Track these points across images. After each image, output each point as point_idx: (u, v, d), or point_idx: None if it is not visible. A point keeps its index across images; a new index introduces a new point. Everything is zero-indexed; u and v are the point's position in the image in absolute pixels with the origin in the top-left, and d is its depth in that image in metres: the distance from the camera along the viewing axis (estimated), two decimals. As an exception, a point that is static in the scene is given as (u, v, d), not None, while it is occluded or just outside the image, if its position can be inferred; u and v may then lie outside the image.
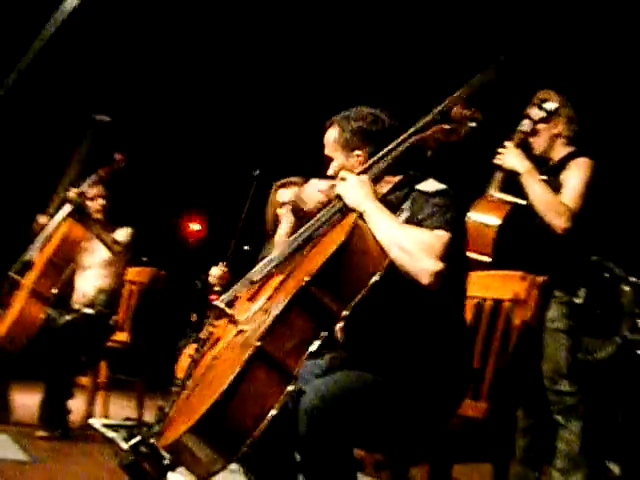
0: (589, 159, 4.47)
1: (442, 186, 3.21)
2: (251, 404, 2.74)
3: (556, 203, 4.36)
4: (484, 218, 4.39)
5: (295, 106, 10.25)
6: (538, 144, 4.64)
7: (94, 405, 6.64)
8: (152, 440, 2.86)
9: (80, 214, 6.31)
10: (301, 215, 4.21)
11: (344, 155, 3.38)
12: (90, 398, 6.52)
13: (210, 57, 10.49)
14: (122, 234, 6.59)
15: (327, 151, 3.46)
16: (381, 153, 3.22)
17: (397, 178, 3.33)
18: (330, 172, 3.45)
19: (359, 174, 3.22)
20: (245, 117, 10.90)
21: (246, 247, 4.83)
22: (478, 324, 3.74)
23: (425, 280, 2.94)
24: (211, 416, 2.70)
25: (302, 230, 3.30)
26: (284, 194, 5.29)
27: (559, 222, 4.33)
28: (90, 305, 6.52)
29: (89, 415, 6.50)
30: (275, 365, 2.80)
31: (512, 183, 4.57)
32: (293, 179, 5.35)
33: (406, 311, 3.08)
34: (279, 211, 5.29)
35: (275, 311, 2.88)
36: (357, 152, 3.36)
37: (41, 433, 5.97)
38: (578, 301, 4.40)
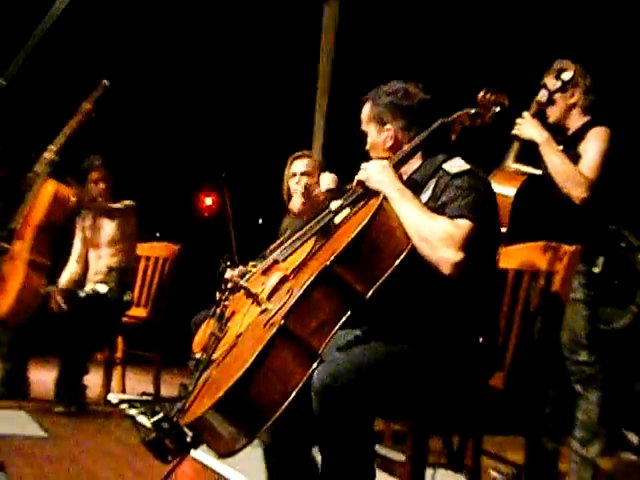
0: (606, 128, 4.44)
1: (467, 166, 3.18)
2: (274, 382, 2.74)
3: (574, 173, 4.33)
4: (500, 189, 4.36)
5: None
6: (554, 113, 4.61)
7: (111, 380, 6.65)
8: (175, 417, 2.85)
9: (61, 172, 6.29)
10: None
11: (376, 130, 3.38)
12: (107, 374, 6.51)
13: (230, 32, 10.45)
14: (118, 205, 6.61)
15: (362, 126, 3.45)
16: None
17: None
18: (367, 147, 3.46)
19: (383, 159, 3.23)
20: (258, 94, 10.87)
21: (260, 220, 4.81)
22: (501, 295, 3.73)
23: (445, 270, 2.95)
24: (234, 393, 2.70)
25: (327, 211, 3.29)
26: (297, 165, 5.31)
27: (577, 192, 4.30)
28: (103, 282, 6.53)
29: (106, 391, 6.52)
30: (299, 343, 2.79)
31: (529, 154, 4.55)
32: (307, 152, 5.38)
33: (433, 284, 3.05)
34: (291, 182, 5.31)
35: (299, 290, 2.87)
36: (387, 126, 3.35)
37: (58, 409, 5.99)
38: (596, 270, 4.38)
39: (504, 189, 4.38)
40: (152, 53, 10.51)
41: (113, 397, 6.69)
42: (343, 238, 2.94)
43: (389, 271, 2.89)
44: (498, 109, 3.24)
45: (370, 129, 3.42)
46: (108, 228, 6.57)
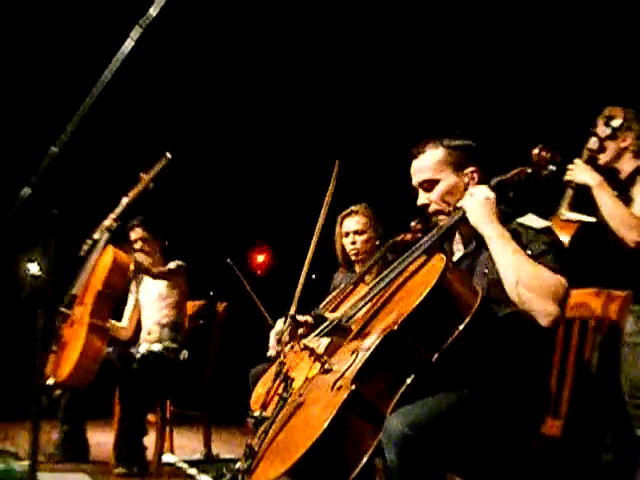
0: None
1: (547, 222, 3.22)
2: (346, 448, 2.75)
3: (627, 216, 4.31)
4: None
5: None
6: (604, 157, 4.59)
7: (164, 441, 6.64)
8: (241, 478, 2.84)
9: (118, 239, 6.37)
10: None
11: (455, 174, 3.34)
12: (159, 434, 6.51)
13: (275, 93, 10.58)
14: (171, 265, 6.64)
15: (424, 176, 3.37)
16: None
17: None
18: (422, 201, 3.39)
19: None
20: (307, 152, 10.95)
21: (313, 276, 4.83)
22: (555, 342, 3.71)
23: (544, 322, 2.99)
24: (307, 460, 2.70)
25: (391, 268, 3.29)
26: (349, 223, 5.30)
27: (631, 235, 4.28)
28: (157, 341, 6.56)
29: (160, 451, 6.51)
30: (369, 409, 2.81)
31: (583, 202, 4.54)
32: (354, 208, 5.36)
33: (497, 332, 3.07)
34: (345, 241, 5.29)
35: (365, 353, 2.87)
36: (470, 169, 3.33)
37: (119, 470, 5.99)
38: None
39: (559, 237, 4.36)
40: (210, 121, 10.67)
41: (170, 458, 6.69)
42: (409, 299, 2.94)
43: (455, 335, 2.89)
44: (554, 167, 3.25)
45: (443, 175, 3.33)
46: (158, 286, 6.61)
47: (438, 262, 3.04)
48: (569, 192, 4.60)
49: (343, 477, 2.73)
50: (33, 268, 3.84)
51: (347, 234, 5.32)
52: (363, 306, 3.24)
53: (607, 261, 4.41)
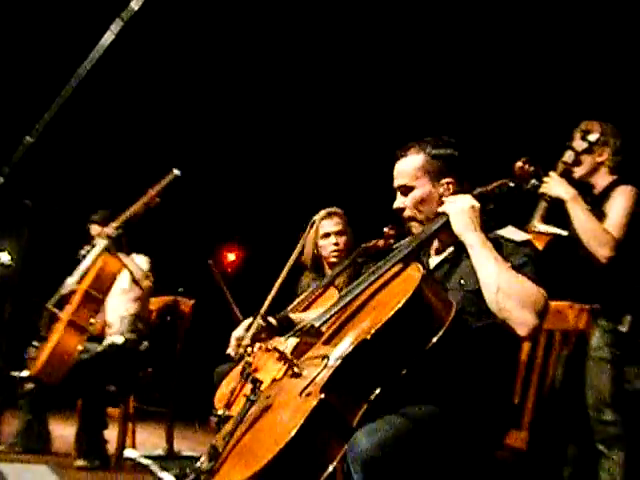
0: (632, 187, 4.45)
1: (527, 235, 3.22)
2: (312, 456, 2.72)
3: (600, 232, 4.33)
4: None
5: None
6: (579, 171, 4.62)
7: (126, 436, 6.62)
8: (204, 478, 2.83)
9: (116, 248, 6.36)
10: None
11: (431, 182, 3.31)
12: (122, 428, 6.48)
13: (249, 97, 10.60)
14: (142, 262, 6.62)
15: (402, 181, 3.35)
16: None
17: None
18: (398, 204, 3.37)
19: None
20: (277, 154, 10.97)
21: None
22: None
23: (522, 332, 2.98)
24: (273, 466, 2.67)
25: (367, 273, 3.27)
26: (329, 225, 5.28)
27: (602, 251, 4.30)
28: (118, 334, 6.55)
29: (122, 446, 6.48)
30: (337, 418, 2.78)
31: (555, 215, 4.56)
32: (332, 209, 5.33)
33: (460, 347, 3.05)
34: (323, 242, 5.26)
35: (335, 361, 2.86)
36: (447, 180, 3.30)
37: (80, 463, 5.99)
38: (623, 329, 4.36)
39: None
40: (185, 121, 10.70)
41: (130, 453, 6.65)
42: (384, 308, 2.92)
43: (428, 346, 2.87)
44: (536, 182, 3.28)
45: (419, 182, 3.31)
46: (122, 280, 6.60)
47: (414, 272, 3.03)
48: (542, 204, 4.62)
49: None
50: (3, 257, 3.83)
51: (328, 235, 5.25)
52: (337, 311, 3.20)
53: (576, 275, 4.42)
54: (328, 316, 3.21)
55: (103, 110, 10.15)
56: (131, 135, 10.71)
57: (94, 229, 6.64)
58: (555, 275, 4.34)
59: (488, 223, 3.26)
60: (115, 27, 3.38)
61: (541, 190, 4.56)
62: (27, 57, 9.52)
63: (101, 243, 6.36)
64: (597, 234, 4.34)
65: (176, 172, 6.26)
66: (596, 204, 4.51)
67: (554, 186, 4.52)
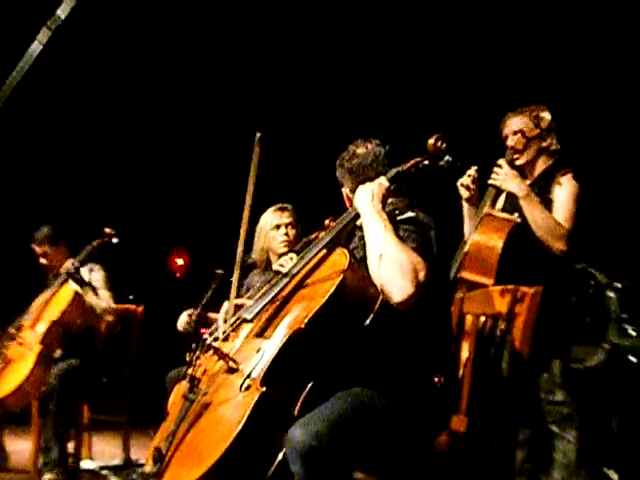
0: (572, 174, 4.49)
1: (410, 214, 3.24)
2: (260, 448, 2.75)
3: (555, 226, 4.39)
4: (487, 239, 4.38)
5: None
6: (524, 157, 4.64)
7: (81, 447, 6.55)
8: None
9: (78, 283, 6.30)
10: None
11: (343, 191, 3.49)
12: (77, 440, 6.42)
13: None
14: (97, 279, 6.54)
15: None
16: None
17: None
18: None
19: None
20: (224, 155, 10.93)
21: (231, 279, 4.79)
22: (459, 338, 3.75)
23: (397, 298, 2.97)
24: (223, 463, 2.69)
25: (294, 262, 3.32)
26: (283, 217, 5.39)
27: (558, 244, 4.37)
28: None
29: (78, 458, 6.42)
30: (279, 408, 2.81)
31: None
32: (283, 205, 5.40)
33: (389, 328, 3.07)
34: (274, 234, 5.30)
35: (271, 352, 2.88)
36: (344, 189, 3.48)
37: (48, 477, 5.87)
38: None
39: (490, 240, 4.39)
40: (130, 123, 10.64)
41: (88, 464, 6.61)
42: (314, 296, 2.95)
43: (361, 329, 2.90)
44: (449, 158, 3.30)
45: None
46: None
47: (340, 257, 3.07)
48: (491, 191, 4.65)
49: (260, 476, 2.74)
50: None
51: (279, 226, 5.36)
52: (267, 302, 3.23)
53: (523, 259, 4.44)
54: (259, 308, 3.25)
55: (42, 119, 10.03)
56: (69, 144, 10.60)
57: (38, 249, 6.58)
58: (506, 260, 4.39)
59: (410, 202, 3.33)
60: (42, 37, 3.34)
61: (492, 182, 4.58)
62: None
63: (60, 278, 6.31)
64: (553, 229, 4.39)
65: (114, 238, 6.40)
66: (538, 188, 4.53)
67: (507, 181, 4.54)
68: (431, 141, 3.32)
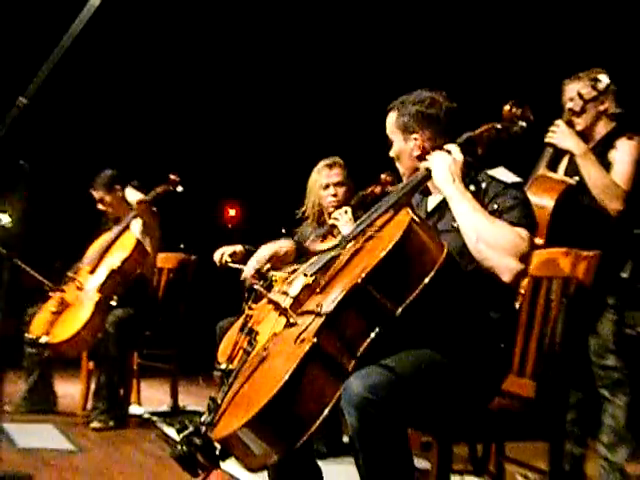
0: (635, 136, 4.42)
1: (518, 178, 3.23)
2: (307, 400, 2.73)
3: (612, 186, 4.31)
4: (538, 200, 4.32)
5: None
6: (584, 121, 4.57)
7: (130, 393, 6.63)
8: (205, 431, 2.83)
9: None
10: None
11: (403, 138, 3.38)
12: (126, 386, 6.47)
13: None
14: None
15: (388, 134, 3.45)
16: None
17: None
18: (391, 154, 3.46)
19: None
20: (278, 108, 10.94)
21: (283, 230, 4.80)
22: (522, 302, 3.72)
23: (506, 278, 3.01)
24: (268, 411, 2.68)
25: (361, 220, 3.30)
26: (330, 176, 5.34)
27: (614, 204, 4.30)
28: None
29: (127, 403, 6.48)
30: (331, 362, 2.79)
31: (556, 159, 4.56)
32: (333, 160, 5.36)
33: (458, 291, 3.08)
34: (323, 193, 5.29)
35: (329, 307, 2.86)
36: (414, 135, 3.35)
37: (95, 425, 5.97)
38: (624, 275, 4.36)
39: (542, 200, 4.34)
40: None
41: (136, 409, 6.68)
42: (374, 253, 2.92)
43: (420, 288, 2.87)
44: (524, 124, 3.27)
45: (396, 138, 3.41)
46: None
47: (404, 216, 3.03)
48: (548, 151, 4.58)
49: (304, 429, 2.72)
50: (4, 219, 3.82)
51: (327, 186, 5.32)
52: (328, 260, 3.23)
53: (581, 223, 4.39)
54: (320, 265, 3.26)
55: (99, 68, 10.09)
56: (130, 94, 10.66)
57: (95, 194, 6.61)
58: (561, 223, 4.34)
59: (480, 168, 3.29)
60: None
61: (549, 140, 4.51)
62: (18, 17, 9.47)
63: (130, 221, 6.40)
64: (609, 188, 4.32)
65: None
66: (599, 152, 4.47)
67: (564, 139, 4.46)
68: (507, 107, 3.30)
